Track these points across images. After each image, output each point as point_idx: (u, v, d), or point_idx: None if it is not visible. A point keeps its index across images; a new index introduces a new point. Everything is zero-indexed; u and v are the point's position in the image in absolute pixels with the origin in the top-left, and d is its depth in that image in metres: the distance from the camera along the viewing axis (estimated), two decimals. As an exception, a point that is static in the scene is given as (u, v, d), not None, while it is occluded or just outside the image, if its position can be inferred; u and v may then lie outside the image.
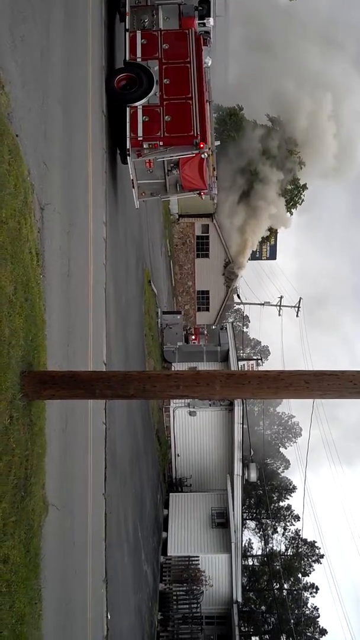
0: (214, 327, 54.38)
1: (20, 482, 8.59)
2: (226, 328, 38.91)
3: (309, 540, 60.83)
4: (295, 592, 58.17)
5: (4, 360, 8.06)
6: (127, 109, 17.86)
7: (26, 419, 8.89)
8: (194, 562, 28.63)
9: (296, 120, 51.35)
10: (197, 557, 28.75)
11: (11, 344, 8.38)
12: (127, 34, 18.65)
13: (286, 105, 51.06)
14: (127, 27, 18.74)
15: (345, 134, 53.82)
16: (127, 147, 17.63)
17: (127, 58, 18.47)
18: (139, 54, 18.50)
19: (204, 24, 21.70)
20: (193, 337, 50.05)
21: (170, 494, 31.97)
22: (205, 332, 56.13)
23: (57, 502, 10.69)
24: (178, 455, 33.56)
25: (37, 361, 9.52)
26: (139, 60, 18.42)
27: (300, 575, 59.42)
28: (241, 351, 68.38)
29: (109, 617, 14.95)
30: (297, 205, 53.64)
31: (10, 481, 8.21)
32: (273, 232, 57.48)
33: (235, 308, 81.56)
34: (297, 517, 63.52)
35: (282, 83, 51.31)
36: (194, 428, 33.30)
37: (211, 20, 21.93)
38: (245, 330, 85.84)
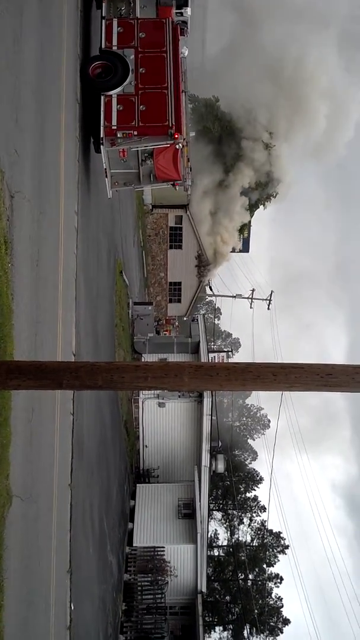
0: (185, 318, 54.42)
1: (-17, 473, 8.51)
2: (197, 320, 38.96)
3: (274, 531, 61.54)
4: (259, 582, 58.81)
5: (-31, 350, 7.96)
6: (102, 97, 17.71)
7: (-9, 409, 8.80)
8: (159, 553, 28.74)
9: (275, 103, 51.22)
10: (163, 547, 28.86)
11: (-23, 333, 8.27)
12: (104, 21, 18.45)
13: (264, 92, 50.93)
14: (103, 15, 18.55)
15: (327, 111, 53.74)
16: (101, 135, 17.48)
17: (103, 46, 18.29)
18: (114, 42, 18.34)
19: (181, 14, 21.59)
20: (164, 328, 50.05)
21: (138, 485, 32.00)
22: (177, 323, 56.15)
23: (21, 493, 10.62)
24: (146, 446, 33.58)
25: (4, 351, 9.42)
26: (114, 48, 18.26)
27: (265, 566, 60.06)
28: (212, 343, 68.59)
29: (72, 607, 14.93)
30: (272, 198, 53.78)
31: (-27, 472, 8.13)
32: (246, 225, 57.67)
33: (207, 300, 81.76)
34: (263, 508, 64.16)
35: (261, 66, 51.08)
36: (163, 419, 33.35)
37: (189, 9, 21.81)
38: (216, 322, 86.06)
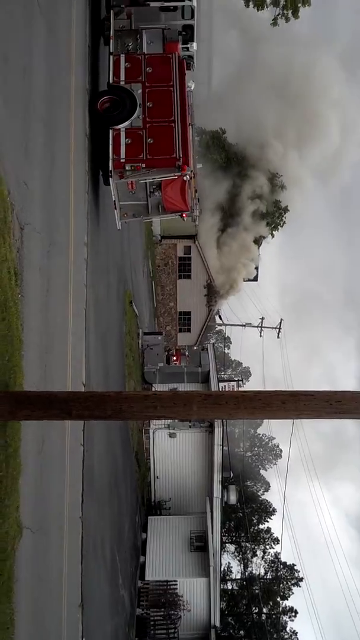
0: (195, 348, 54.38)
1: (-7, 505, 8.46)
2: (207, 349, 38.91)
3: (288, 563, 60.46)
4: (274, 616, 57.61)
5: (-21, 381, 7.98)
6: (110, 131, 17.98)
7: (1, 440, 8.78)
8: (172, 587, 28.28)
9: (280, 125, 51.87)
10: (175, 581, 28.40)
11: (-13, 364, 8.30)
12: (111, 57, 18.83)
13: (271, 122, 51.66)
14: (111, 51, 18.94)
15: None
16: (110, 168, 17.71)
17: (111, 81, 18.64)
18: (122, 77, 18.68)
19: (187, 49, 21.94)
20: (174, 358, 49.95)
21: (149, 517, 31.63)
22: (186, 353, 56.11)
23: (32, 525, 10.53)
24: (157, 477, 33.27)
25: (13, 381, 9.43)
26: (122, 83, 18.60)
27: (279, 599, 58.89)
28: (222, 372, 68.38)
29: (84, 642, 14.68)
30: (279, 227, 54.11)
31: (-17, 503, 8.09)
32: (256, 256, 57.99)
33: (216, 329, 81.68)
34: (276, 540, 63.09)
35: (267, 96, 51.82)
36: (173, 450, 33.08)
37: (194, 44, 22.16)
38: (226, 351, 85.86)
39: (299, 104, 52.74)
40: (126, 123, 18.03)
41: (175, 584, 28.35)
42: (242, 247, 54.66)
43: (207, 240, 53.13)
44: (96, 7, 19.93)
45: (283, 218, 53.27)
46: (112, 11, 19.36)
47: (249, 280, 61.66)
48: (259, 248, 57.37)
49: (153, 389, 33.75)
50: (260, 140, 52.19)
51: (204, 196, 38.82)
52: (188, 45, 22.13)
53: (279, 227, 53.72)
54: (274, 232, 54.67)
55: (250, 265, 57.11)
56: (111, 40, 19.02)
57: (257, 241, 55.41)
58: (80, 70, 16.92)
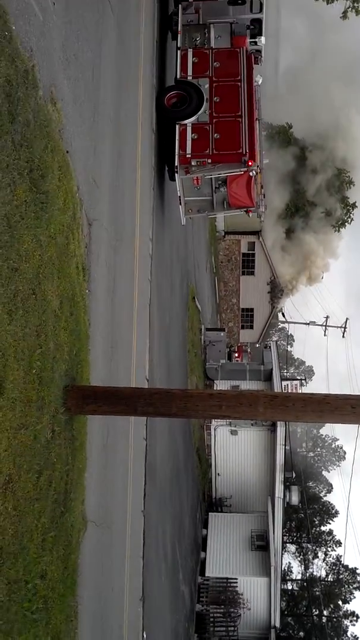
0: (257, 345, 53.94)
1: (60, 498, 8.56)
2: (270, 347, 38.49)
3: (350, 566, 59.38)
4: (334, 619, 56.72)
5: (48, 375, 8.07)
6: (177, 126, 17.94)
7: (68, 433, 8.87)
8: (232, 584, 28.16)
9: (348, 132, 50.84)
10: (236, 579, 28.27)
11: (55, 358, 8.39)
12: (179, 52, 18.78)
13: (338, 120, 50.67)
14: (178, 45, 18.88)
15: None
16: (176, 164, 17.68)
17: (178, 76, 18.59)
18: (189, 72, 18.60)
19: (255, 43, 21.64)
20: (236, 355, 49.70)
21: (210, 513, 31.59)
22: (249, 350, 55.72)
23: (96, 519, 10.63)
24: (218, 474, 33.19)
25: (81, 376, 9.52)
26: (189, 78, 18.53)
27: (340, 603, 57.95)
28: (285, 371, 67.62)
29: (145, 636, 14.76)
30: (347, 224, 52.98)
31: (50, 496, 8.18)
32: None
33: (279, 327, 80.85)
34: (338, 543, 62.08)
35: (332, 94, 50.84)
36: (235, 447, 32.91)
37: (263, 38, 21.84)
38: (289, 349, 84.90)
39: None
40: (193, 118, 17.95)
41: (236, 582, 28.22)
42: (307, 251, 53.89)
43: (272, 239, 52.60)
44: (164, 3, 19.94)
45: (351, 215, 52.12)
46: (180, 6, 19.31)
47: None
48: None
49: (215, 386, 33.66)
50: (328, 134, 51.23)
51: (269, 194, 38.37)
52: (256, 39, 21.82)
53: (346, 223, 52.60)
54: (340, 229, 53.54)
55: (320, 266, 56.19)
56: (179, 35, 18.96)
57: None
58: (148, 66, 16.96)
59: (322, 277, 58.26)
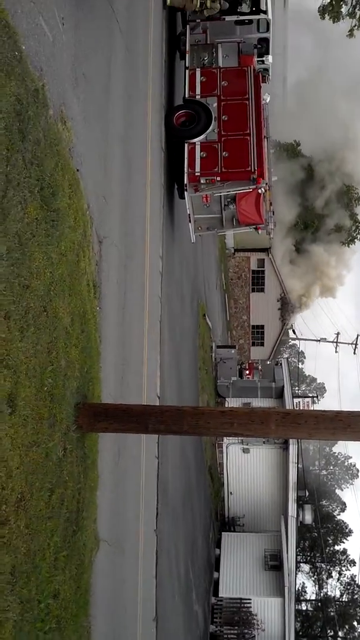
0: (268, 362, 53.74)
1: (72, 516, 8.50)
2: (281, 364, 38.32)
3: (365, 586, 58.53)
4: (350, 640, 55.77)
5: (59, 392, 8.05)
6: (185, 145, 18.06)
7: (79, 451, 8.83)
8: (245, 605, 27.79)
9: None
10: (249, 599, 27.90)
11: (67, 376, 8.38)
12: (187, 71, 18.95)
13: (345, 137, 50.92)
14: (186, 65, 19.07)
15: None
16: (185, 182, 17.77)
17: (187, 95, 18.74)
18: (198, 91, 18.76)
19: (262, 62, 21.86)
20: (247, 372, 49.51)
21: (223, 533, 31.28)
22: (259, 367, 55.52)
23: (108, 538, 10.54)
24: (231, 493, 32.90)
25: (92, 393, 9.50)
26: (198, 97, 18.67)
27: (355, 623, 57.02)
28: (296, 388, 67.27)
29: (158, 658, 14.56)
30: (356, 239, 52.96)
31: (62, 515, 8.13)
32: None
33: (290, 344, 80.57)
34: (352, 562, 61.27)
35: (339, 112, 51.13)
36: (247, 466, 32.65)
37: (270, 57, 22.06)
38: (300, 366, 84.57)
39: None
40: (201, 137, 18.07)
41: (250, 602, 27.85)
42: (318, 263, 53.83)
43: (282, 253, 52.63)
44: (172, 23, 20.17)
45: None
46: (187, 26, 19.53)
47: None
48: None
49: (226, 403, 33.49)
50: (336, 151, 51.45)
51: (278, 209, 38.47)
52: (263, 58, 22.06)
53: (355, 239, 52.59)
54: (350, 245, 53.53)
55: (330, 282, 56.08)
56: (187, 55, 19.15)
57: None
58: (156, 86, 17.11)
59: (337, 289, 58.00)
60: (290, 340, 72.82)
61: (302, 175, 51.12)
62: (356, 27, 26.09)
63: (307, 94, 54.61)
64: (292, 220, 51.67)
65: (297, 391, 61.33)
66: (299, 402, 43.80)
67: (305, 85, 56.13)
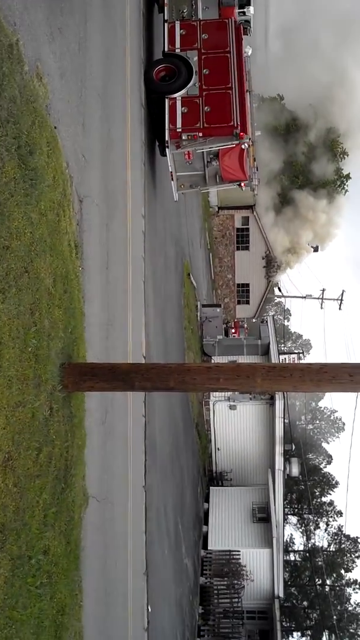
0: (254, 320, 53.95)
1: (60, 474, 8.61)
2: (267, 321, 38.52)
3: (351, 536, 60.14)
4: (338, 588, 57.56)
5: (44, 352, 8.06)
6: (166, 100, 17.75)
7: (66, 410, 8.89)
8: (234, 557, 28.52)
9: (339, 107, 50.33)
10: (238, 551, 28.63)
11: (50, 336, 8.38)
12: (166, 24, 18.51)
13: (328, 92, 50.15)
14: (165, 18, 18.61)
15: None
16: (166, 139, 17.51)
17: (166, 49, 18.34)
18: (177, 44, 18.35)
19: (244, 13, 21.43)
20: (233, 330, 49.76)
21: (211, 487, 31.89)
22: (246, 325, 55.76)
23: (97, 494, 10.71)
24: (218, 449, 33.44)
25: (77, 353, 9.52)
26: (177, 51, 18.28)
27: (342, 571, 58.78)
28: (282, 345, 67.76)
29: (149, 609, 14.96)
30: (341, 194, 52.61)
31: (50, 472, 8.23)
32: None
33: (276, 301, 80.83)
34: (339, 513, 62.81)
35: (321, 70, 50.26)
36: (234, 422, 33.12)
37: (251, 9, 21.62)
38: (286, 323, 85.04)
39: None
40: (182, 91, 17.75)
41: (238, 554, 28.58)
42: (306, 207, 53.15)
43: (266, 210, 52.23)
44: (150, -26, 19.61)
45: (345, 186, 51.79)
46: (166, -23, 18.98)
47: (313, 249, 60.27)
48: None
49: (212, 362, 33.75)
50: (320, 105, 50.71)
51: (262, 165, 38.04)
52: (245, 10, 21.61)
53: (340, 195, 52.27)
54: (334, 195, 53.15)
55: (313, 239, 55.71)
56: (165, 8, 18.67)
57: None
58: (135, 40, 16.71)
59: (334, 234, 57.16)
60: (275, 297, 73.00)
61: (285, 131, 50.42)
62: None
63: (291, 41, 53.45)
64: (277, 170, 50.98)
65: (283, 348, 61.78)
66: (285, 358, 44.15)
67: (288, 32, 54.85)
